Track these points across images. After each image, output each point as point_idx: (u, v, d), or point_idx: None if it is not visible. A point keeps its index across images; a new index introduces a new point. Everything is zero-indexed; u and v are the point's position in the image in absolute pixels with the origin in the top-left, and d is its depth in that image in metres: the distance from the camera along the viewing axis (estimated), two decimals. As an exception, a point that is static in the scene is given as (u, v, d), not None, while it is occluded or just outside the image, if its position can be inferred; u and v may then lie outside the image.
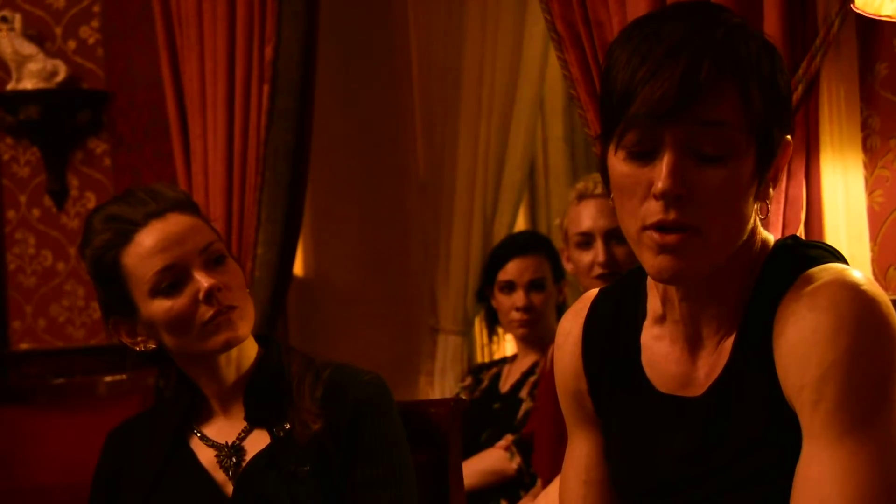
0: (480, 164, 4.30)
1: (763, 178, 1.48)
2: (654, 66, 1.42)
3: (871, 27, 2.45)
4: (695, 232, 1.44)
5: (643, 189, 1.45)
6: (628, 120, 1.44)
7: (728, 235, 1.47)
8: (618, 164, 1.48)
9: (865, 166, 2.50)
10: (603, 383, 1.64)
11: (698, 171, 1.44)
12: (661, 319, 1.58)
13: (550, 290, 3.69)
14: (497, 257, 3.76)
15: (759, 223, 1.54)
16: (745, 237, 1.50)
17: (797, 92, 2.42)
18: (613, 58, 1.47)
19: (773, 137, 1.48)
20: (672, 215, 1.43)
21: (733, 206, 1.46)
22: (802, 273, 1.48)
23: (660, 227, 1.44)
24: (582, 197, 3.08)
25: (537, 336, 3.61)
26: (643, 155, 1.45)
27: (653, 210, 1.44)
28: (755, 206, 1.50)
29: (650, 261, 1.46)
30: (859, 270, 1.49)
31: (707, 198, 1.43)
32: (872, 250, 2.50)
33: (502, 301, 3.70)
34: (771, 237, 1.56)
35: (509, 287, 3.68)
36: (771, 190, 1.51)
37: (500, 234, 4.23)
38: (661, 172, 1.43)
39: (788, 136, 1.51)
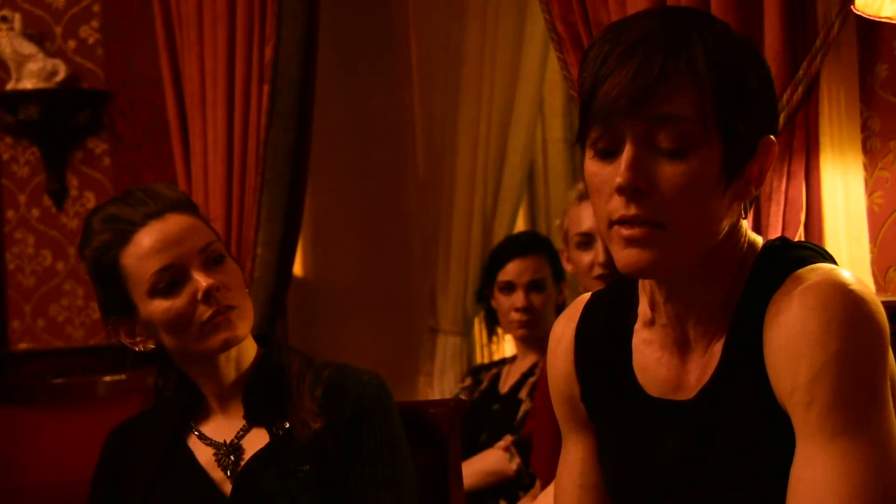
0: (480, 165, 4.29)
1: (735, 176, 1.48)
2: (612, 64, 1.45)
3: (872, 28, 2.45)
4: (658, 226, 1.45)
5: (609, 187, 1.47)
6: (591, 118, 1.47)
7: (694, 230, 1.47)
8: (588, 163, 1.50)
9: (865, 168, 2.50)
10: (595, 388, 1.64)
11: (658, 165, 1.45)
12: (650, 323, 1.58)
13: (550, 290, 3.69)
14: (497, 258, 3.75)
15: (745, 224, 1.54)
16: (719, 235, 1.50)
17: (797, 93, 2.42)
18: (583, 62, 1.50)
19: (745, 136, 1.47)
20: (633, 210, 1.45)
21: (696, 201, 1.46)
22: (791, 273, 1.48)
23: (623, 221, 1.46)
24: (582, 197, 3.08)
25: (537, 337, 3.60)
26: (608, 153, 1.47)
27: (616, 206, 1.46)
28: (734, 205, 1.50)
29: (618, 255, 1.48)
30: (848, 270, 1.49)
31: (668, 192, 1.44)
32: (872, 252, 2.50)
33: (502, 301, 3.70)
34: (759, 238, 1.56)
35: (509, 287, 3.68)
36: (754, 189, 1.51)
37: (499, 234, 4.23)
38: (620, 167, 1.45)
39: (772, 137, 1.51)
